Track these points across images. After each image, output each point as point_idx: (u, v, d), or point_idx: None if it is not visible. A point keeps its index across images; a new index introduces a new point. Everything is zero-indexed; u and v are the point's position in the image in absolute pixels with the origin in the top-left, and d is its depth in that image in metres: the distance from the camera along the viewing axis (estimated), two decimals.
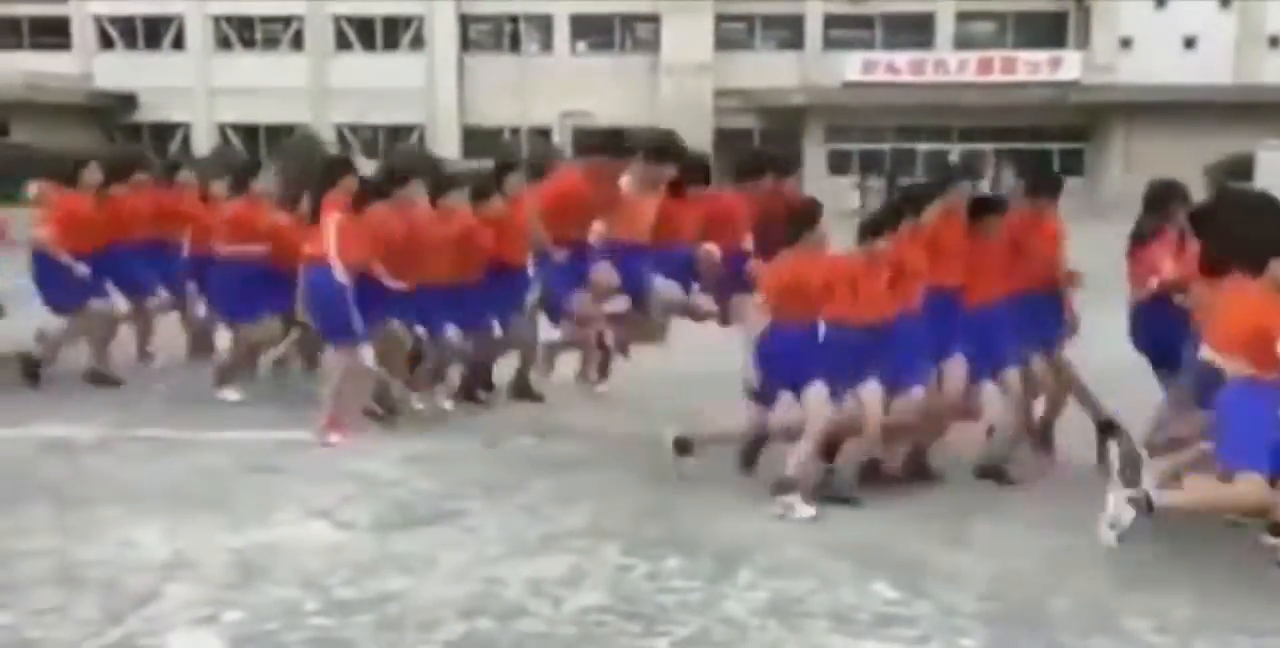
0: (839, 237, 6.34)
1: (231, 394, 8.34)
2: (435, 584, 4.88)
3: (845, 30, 40.79)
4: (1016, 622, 4.54)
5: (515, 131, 40.73)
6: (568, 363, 8.50)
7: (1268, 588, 4.89)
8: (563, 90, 39.34)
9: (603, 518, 5.75)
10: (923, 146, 38.84)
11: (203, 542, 5.34)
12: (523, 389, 8.33)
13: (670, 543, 5.35)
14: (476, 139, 41.26)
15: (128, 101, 41.63)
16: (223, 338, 9.08)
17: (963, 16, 40.35)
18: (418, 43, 41.84)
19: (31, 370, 8.65)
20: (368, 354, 7.13)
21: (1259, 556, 5.18)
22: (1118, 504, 4.98)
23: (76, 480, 6.40)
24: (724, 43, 40.71)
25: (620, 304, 7.76)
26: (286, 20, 42.18)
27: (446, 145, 40.71)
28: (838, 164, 38.88)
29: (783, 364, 5.96)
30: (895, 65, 38.13)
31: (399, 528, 5.60)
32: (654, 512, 5.86)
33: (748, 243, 7.52)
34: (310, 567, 5.04)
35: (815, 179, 34.21)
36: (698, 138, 38.73)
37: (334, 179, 7.22)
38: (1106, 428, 6.76)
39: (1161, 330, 6.30)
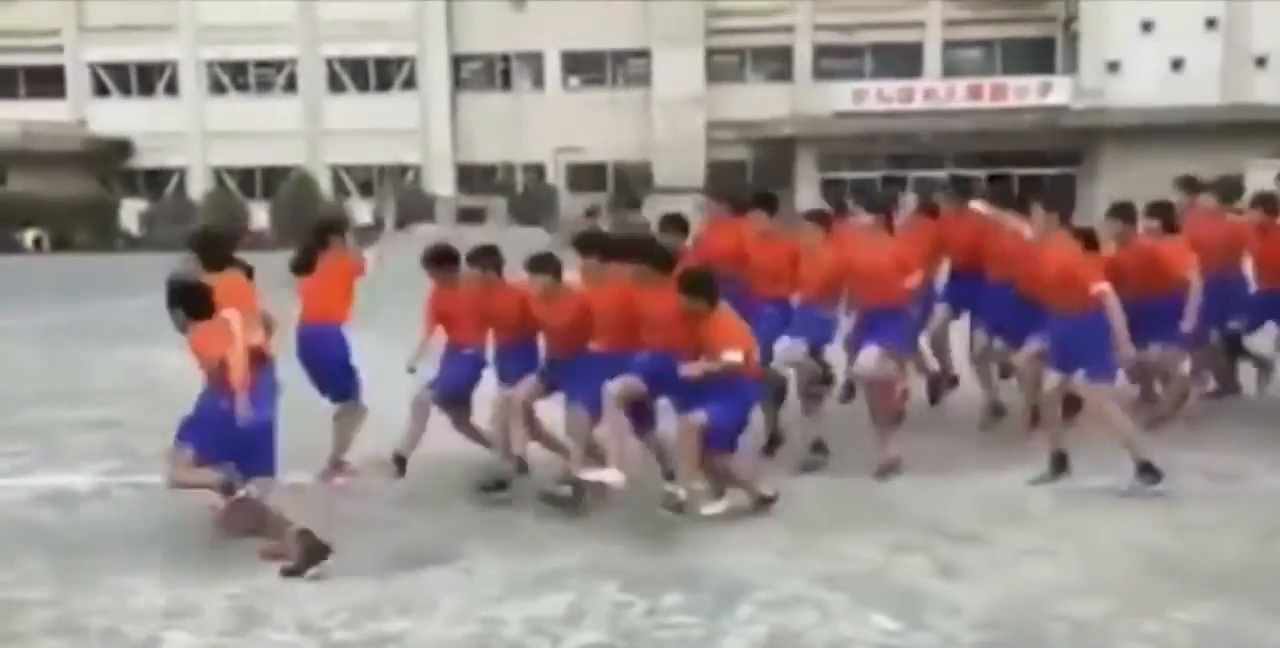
0: None
1: None
2: (435, 626, 4.88)
3: (835, 61, 41.14)
4: None
5: (509, 168, 40.99)
6: None
7: (1262, 608, 4.90)
8: (556, 126, 39.62)
9: (600, 555, 5.76)
10: (914, 174, 39.04)
11: (201, 588, 5.34)
12: None
13: (669, 579, 5.36)
14: (471, 176, 41.52)
15: (123, 147, 41.91)
16: None
17: (951, 44, 40.69)
18: (410, 83, 42.17)
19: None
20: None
21: (1255, 577, 5.21)
22: None
23: (75, 529, 6.41)
24: (715, 76, 41.05)
25: None
26: (279, 64, 42.52)
27: (441, 183, 40.97)
28: (830, 193, 39.02)
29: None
30: (885, 94, 38.38)
31: (397, 570, 5.61)
32: (651, 548, 5.87)
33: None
34: (309, 611, 5.04)
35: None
36: (691, 170, 38.99)
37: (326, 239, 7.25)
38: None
39: None
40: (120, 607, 5.16)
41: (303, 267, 7.16)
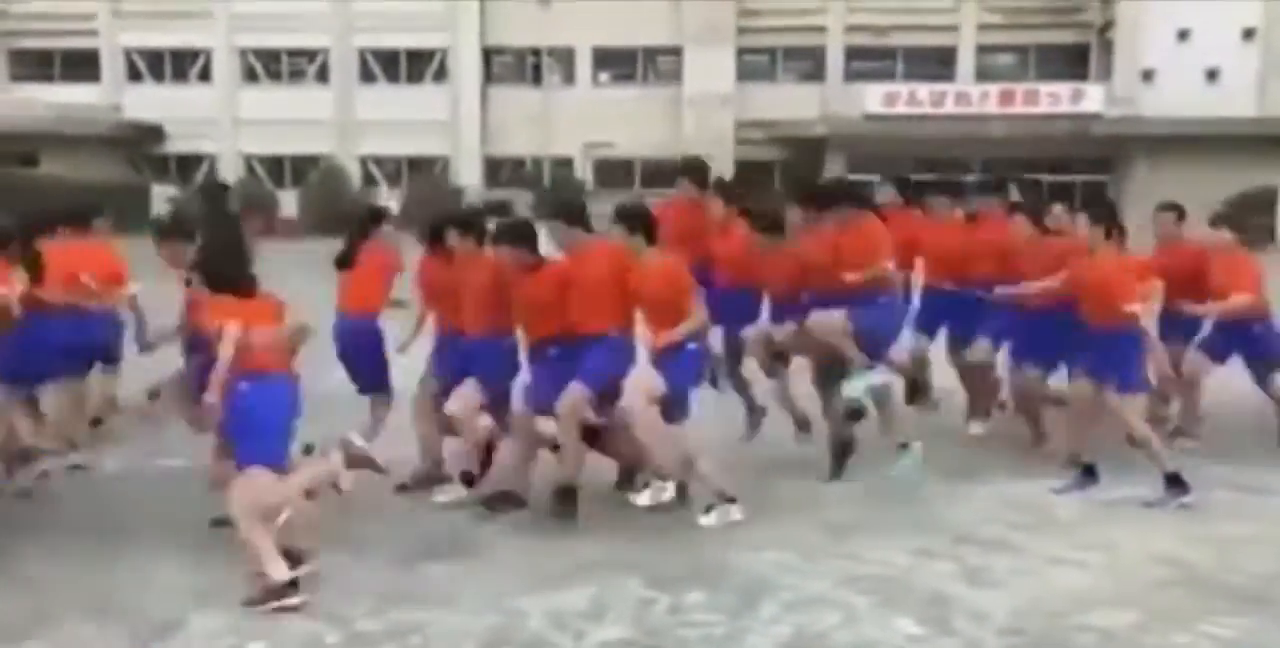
0: None
1: None
2: (457, 616, 4.89)
3: (866, 62, 40.95)
4: None
5: (537, 163, 40.99)
6: None
7: None
8: (585, 122, 39.60)
9: (625, 550, 5.75)
10: (944, 178, 38.82)
11: (227, 571, 5.35)
12: None
13: (692, 576, 5.35)
14: (498, 170, 41.58)
15: (155, 133, 42.08)
16: None
17: (984, 49, 40.46)
18: (441, 75, 42.20)
19: None
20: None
21: None
22: None
23: (101, 509, 6.44)
24: (746, 74, 40.92)
25: None
26: (312, 53, 42.62)
27: (469, 176, 41.03)
28: None
29: None
30: (916, 97, 38.14)
31: (421, 559, 5.61)
32: (676, 544, 5.85)
33: None
34: (332, 599, 5.05)
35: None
36: (719, 169, 38.94)
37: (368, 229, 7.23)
38: None
39: None
40: (145, 588, 5.19)
41: (346, 260, 7.14)
